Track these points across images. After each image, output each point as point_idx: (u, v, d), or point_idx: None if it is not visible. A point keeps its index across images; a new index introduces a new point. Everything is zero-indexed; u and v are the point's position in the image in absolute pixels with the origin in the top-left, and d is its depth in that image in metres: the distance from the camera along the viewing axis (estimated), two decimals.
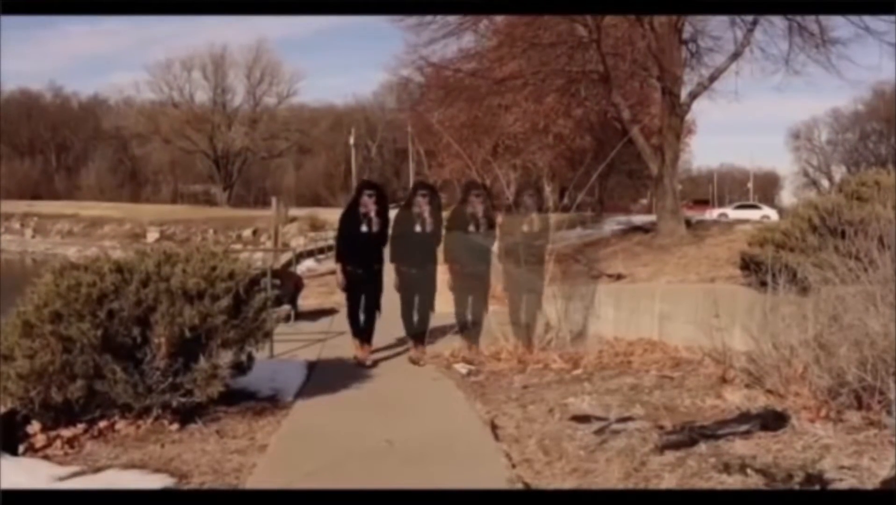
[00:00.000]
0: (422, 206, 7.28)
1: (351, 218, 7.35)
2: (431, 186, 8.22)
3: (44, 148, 68.97)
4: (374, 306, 7.37)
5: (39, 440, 4.62)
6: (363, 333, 7.36)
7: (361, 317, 7.36)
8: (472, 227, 7.32)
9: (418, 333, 7.36)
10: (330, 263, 17.46)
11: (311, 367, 6.99)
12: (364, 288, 7.31)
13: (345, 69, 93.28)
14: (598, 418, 4.64)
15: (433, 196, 7.49)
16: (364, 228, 7.23)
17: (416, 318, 7.33)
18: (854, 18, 18.61)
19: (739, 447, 3.93)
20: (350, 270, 7.30)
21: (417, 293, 7.31)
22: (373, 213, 7.21)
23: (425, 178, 28.34)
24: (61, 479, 4.01)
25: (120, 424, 4.88)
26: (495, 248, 7.59)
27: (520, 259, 7.21)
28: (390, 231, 7.34)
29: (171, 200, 64.04)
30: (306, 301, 13.31)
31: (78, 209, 53.84)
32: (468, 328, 7.38)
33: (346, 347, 7.65)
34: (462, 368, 6.71)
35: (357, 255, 7.28)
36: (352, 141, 56.83)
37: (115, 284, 4.89)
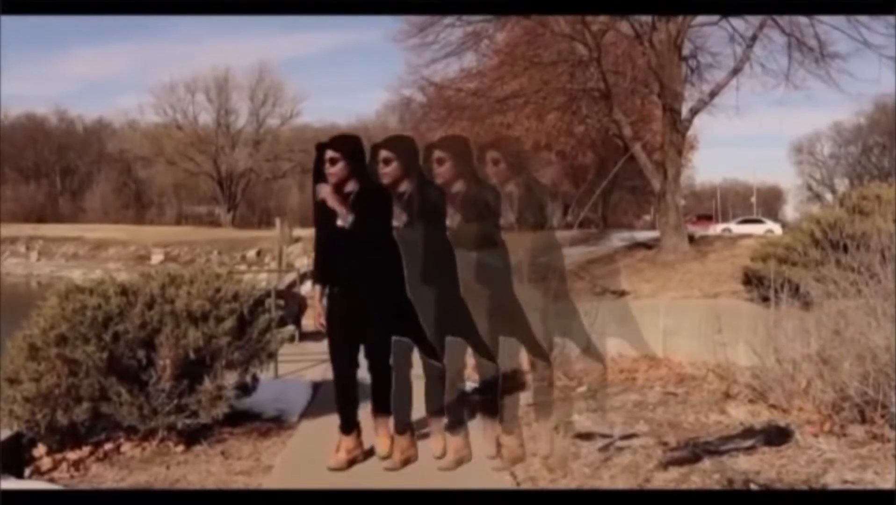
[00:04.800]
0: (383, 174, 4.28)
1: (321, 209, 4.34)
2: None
3: (49, 171, 69.20)
4: (381, 357, 4.40)
5: (45, 463, 4.64)
6: (378, 404, 4.43)
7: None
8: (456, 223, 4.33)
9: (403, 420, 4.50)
10: None
11: (316, 387, 6.96)
12: (361, 327, 4.33)
13: (347, 90, 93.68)
14: (603, 435, 4.64)
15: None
16: (340, 221, 4.27)
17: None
18: (853, 32, 18.72)
19: (743, 463, 3.93)
20: (332, 296, 4.40)
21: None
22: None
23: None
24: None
25: (125, 446, 4.90)
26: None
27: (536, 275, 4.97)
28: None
29: (175, 222, 64.09)
30: (311, 321, 13.33)
31: (83, 232, 53.89)
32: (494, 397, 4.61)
33: None
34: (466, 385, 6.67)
35: (339, 269, 4.33)
36: None
37: (120, 306, 4.92)
